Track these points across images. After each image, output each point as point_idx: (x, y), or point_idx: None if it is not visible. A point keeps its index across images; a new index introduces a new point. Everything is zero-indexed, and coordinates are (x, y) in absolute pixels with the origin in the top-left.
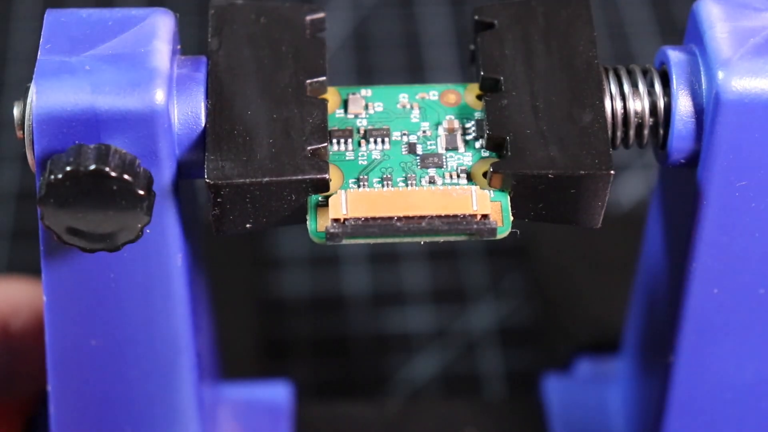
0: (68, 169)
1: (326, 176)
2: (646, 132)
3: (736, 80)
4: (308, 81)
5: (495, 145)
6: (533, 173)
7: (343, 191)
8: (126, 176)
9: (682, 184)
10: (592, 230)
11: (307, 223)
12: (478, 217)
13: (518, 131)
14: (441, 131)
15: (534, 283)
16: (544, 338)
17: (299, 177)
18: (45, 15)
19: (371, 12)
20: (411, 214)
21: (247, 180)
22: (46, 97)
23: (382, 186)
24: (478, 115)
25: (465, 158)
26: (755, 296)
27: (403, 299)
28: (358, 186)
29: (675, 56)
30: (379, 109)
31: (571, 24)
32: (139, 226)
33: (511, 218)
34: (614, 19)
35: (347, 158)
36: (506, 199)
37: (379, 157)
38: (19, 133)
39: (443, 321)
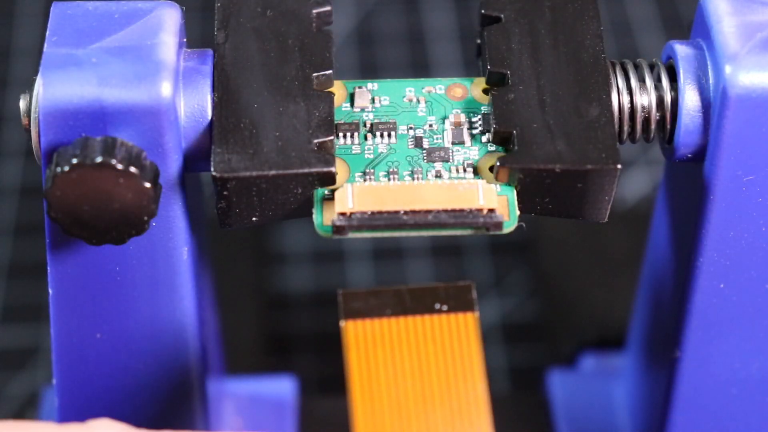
0: (75, 161)
1: (333, 170)
2: (652, 126)
3: (744, 75)
4: (315, 74)
5: (502, 139)
6: (540, 167)
7: (349, 185)
8: (132, 169)
9: (688, 179)
10: (597, 226)
11: (314, 216)
12: (485, 211)
13: (525, 125)
14: (447, 125)
15: (538, 279)
16: (548, 334)
17: (306, 170)
18: (51, 7)
19: (375, 7)
20: (417, 207)
21: (254, 173)
22: (53, 89)
23: (389, 180)
24: (484, 109)
25: (471, 152)
26: (762, 291)
27: None
28: (365, 179)
29: (682, 51)
30: (386, 102)
31: (578, 18)
32: (145, 218)
33: (518, 212)
34: (619, 14)
35: (353, 152)
36: (513, 194)
37: (385, 150)
38: (25, 125)
39: None
